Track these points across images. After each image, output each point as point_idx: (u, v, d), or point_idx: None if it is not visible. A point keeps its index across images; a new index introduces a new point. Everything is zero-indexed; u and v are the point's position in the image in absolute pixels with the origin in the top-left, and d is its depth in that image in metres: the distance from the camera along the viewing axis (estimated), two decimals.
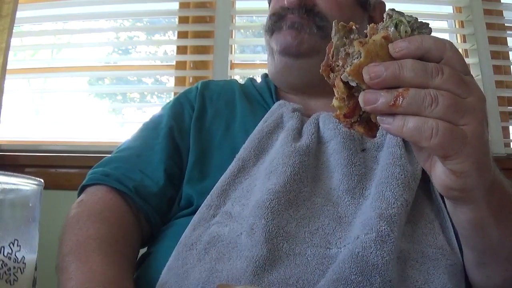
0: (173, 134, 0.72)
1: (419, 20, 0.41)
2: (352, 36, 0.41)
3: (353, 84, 0.39)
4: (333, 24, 0.42)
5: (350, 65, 0.39)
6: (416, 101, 0.37)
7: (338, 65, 0.41)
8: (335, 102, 0.42)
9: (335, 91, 0.41)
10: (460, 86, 0.38)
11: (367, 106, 0.38)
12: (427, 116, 0.37)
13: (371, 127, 0.42)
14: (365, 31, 0.42)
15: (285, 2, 0.72)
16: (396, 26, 0.40)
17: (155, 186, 0.66)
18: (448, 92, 0.37)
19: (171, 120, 0.73)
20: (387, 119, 0.38)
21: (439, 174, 0.41)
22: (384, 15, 0.41)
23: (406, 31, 0.40)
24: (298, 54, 0.72)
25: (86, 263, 0.53)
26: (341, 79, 0.40)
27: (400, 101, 0.37)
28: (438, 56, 0.39)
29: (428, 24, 0.41)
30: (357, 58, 0.39)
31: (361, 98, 0.39)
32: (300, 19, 0.71)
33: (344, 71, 0.39)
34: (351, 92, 0.40)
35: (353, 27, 0.42)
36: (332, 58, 0.42)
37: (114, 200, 0.64)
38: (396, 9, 0.42)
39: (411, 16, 0.41)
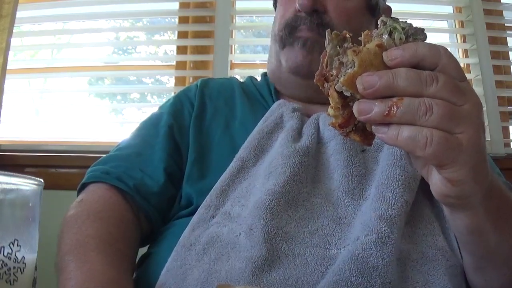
0: (173, 133, 0.72)
1: (414, 26, 0.41)
2: (345, 45, 0.41)
3: (347, 94, 0.39)
4: (327, 33, 0.42)
5: (344, 75, 0.38)
6: (410, 110, 0.36)
7: (332, 75, 0.40)
8: (330, 111, 0.41)
9: (330, 101, 0.41)
10: (455, 93, 0.38)
11: (361, 116, 0.38)
12: (422, 125, 0.37)
13: (367, 136, 0.42)
14: (359, 38, 0.41)
15: (297, 5, 0.71)
16: (390, 33, 0.40)
17: (156, 184, 0.66)
18: (443, 101, 0.37)
19: (171, 118, 0.73)
20: (381, 129, 0.38)
21: (436, 181, 0.41)
22: (379, 22, 0.41)
23: (400, 38, 0.40)
24: (308, 75, 0.71)
25: (86, 263, 0.53)
26: (335, 89, 0.40)
27: (395, 110, 0.37)
28: (433, 63, 0.38)
29: (423, 29, 0.41)
30: (351, 67, 0.38)
31: (355, 108, 0.38)
32: (312, 33, 0.70)
33: (338, 81, 0.39)
34: (346, 101, 0.40)
35: (347, 35, 0.42)
36: (326, 67, 0.41)
37: (114, 198, 0.64)
38: (393, 14, 0.41)
39: (405, 23, 0.41)
